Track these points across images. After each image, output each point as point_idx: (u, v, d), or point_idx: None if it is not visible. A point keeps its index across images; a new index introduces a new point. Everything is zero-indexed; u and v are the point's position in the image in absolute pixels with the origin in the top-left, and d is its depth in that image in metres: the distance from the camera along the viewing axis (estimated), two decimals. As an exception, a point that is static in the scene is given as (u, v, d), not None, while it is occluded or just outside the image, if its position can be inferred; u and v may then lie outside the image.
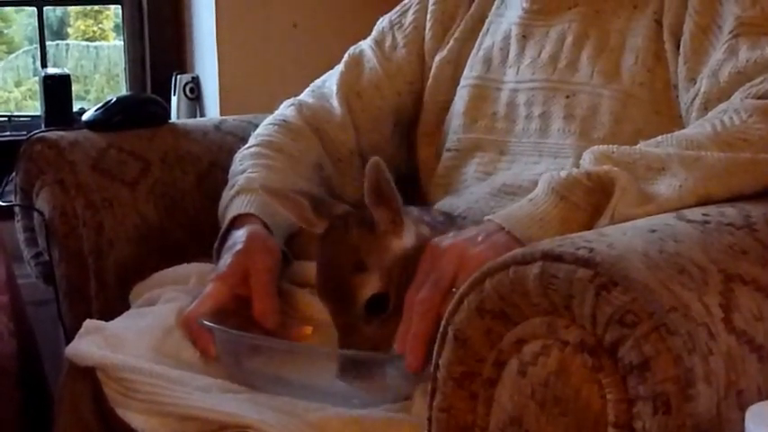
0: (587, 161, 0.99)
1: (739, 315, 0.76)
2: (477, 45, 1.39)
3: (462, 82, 1.37)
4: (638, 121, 1.18)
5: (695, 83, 1.13)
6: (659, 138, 1.00)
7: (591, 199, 0.95)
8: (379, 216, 1.01)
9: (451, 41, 1.42)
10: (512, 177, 1.24)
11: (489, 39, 1.37)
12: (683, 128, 1.13)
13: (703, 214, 0.87)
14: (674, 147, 0.97)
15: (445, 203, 1.29)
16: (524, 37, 1.31)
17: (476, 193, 1.26)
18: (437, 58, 1.42)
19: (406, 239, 1.02)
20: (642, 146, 1.00)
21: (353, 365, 0.98)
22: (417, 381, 0.95)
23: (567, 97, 1.24)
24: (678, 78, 1.16)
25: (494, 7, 1.40)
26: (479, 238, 0.96)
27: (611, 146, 1.00)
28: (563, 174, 0.97)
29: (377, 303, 1.00)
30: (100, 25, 2.83)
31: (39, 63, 2.33)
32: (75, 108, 1.94)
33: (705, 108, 1.10)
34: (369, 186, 0.99)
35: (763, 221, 0.86)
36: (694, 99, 1.13)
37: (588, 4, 1.27)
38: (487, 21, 1.39)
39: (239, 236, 1.17)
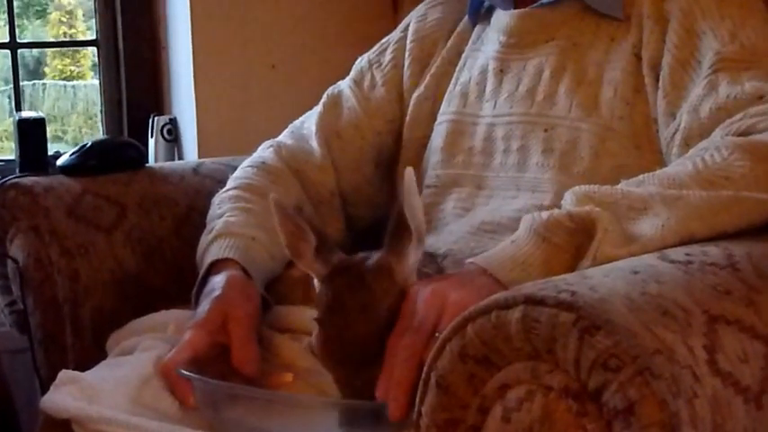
0: (569, 201, 0.98)
1: (724, 357, 0.75)
2: (453, 80, 1.38)
3: (440, 118, 1.37)
4: (617, 155, 1.17)
5: (675, 118, 1.13)
6: (641, 176, 1.00)
7: (573, 240, 0.94)
8: (401, 243, 0.96)
9: (428, 78, 1.41)
10: (490, 214, 1.23)
11: (466, 73, 1.37)
12: (663, 162, 1.13)
13: (686, 254, 0.87)
14: (656, 186, 0.97)
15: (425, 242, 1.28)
16: (501, 71, 1.31)
17: (455, 232, 1.25)
18: (414, 95, 1.42)
19: (414, 276, 0.99)
20: (624, 185, 0.99)
21: (354, 415, 0.95)
22: (400, 428, 0.93)
23: (546, 131, 1.23)
24: (658, 112, 1.16)
25: (470, 42, 1.40)
26: (461, 282, 0.95)
27: (592, 186, 0.99)
28: (544, 215, 0.96)
29: None
30: (77, 64, 2.82)
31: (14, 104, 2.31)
32: (51, 151, 1.92)
33: (686, 144, 1.10)
34: (400, 209, 0.94)
35: (746, 260, 0.86)
36: (675, 134, 1.12)
37: (565, 38, 1.27)
38: (464, 56, 1.39)
39: (218, 281, 1.16)
